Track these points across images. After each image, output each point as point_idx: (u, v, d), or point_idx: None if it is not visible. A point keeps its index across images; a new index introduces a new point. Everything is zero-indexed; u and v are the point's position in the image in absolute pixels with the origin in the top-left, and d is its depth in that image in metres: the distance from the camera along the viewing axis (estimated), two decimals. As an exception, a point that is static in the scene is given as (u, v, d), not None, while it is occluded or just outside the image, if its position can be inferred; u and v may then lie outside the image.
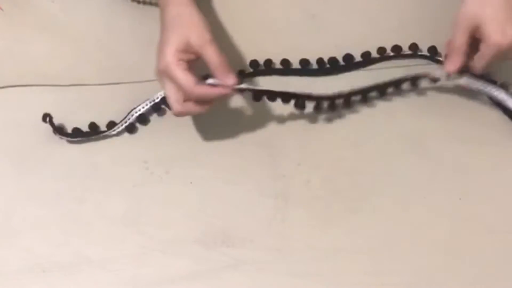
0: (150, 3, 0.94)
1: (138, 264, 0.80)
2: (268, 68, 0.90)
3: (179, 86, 0.77)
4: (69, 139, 0.86)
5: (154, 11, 0.93)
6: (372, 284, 0.80)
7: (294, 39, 0.92)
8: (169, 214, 0.83)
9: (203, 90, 0.77)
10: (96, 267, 0.80)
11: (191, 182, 0.85)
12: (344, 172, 0.85)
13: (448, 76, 0.83)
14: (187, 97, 0.78)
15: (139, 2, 0.94)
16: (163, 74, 0.78)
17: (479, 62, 0.81)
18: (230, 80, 0.78)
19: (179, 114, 0.80)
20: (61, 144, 0.86)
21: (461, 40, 0.81)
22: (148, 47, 0.91)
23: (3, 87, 0.89)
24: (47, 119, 0.86)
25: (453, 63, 0.82)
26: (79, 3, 0.94)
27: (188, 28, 0.78)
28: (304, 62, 0.90)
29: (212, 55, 0.78)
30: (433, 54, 0.91)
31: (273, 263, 0.80)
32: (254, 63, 0.91)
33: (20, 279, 0.79)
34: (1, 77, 0.89)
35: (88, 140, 0.86)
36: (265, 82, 0.90)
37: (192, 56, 0.78)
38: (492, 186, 0.85)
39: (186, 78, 0.76)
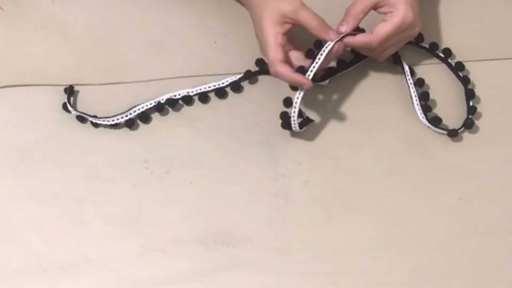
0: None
1: (138, 264, 0.80)
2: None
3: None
4: (77, 113, 0.87)
5: (154, 11, 0.93)
6: (372, 284, 0.80)
7: (294, 39, 0.92)
8: (169, 214, 0.83)
9: (282, 70, 0.80)
10: (96, 267, 0.80)
11: (191, 182, 0.85)
12: (344, 172, 0.85)
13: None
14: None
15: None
16: (263, 41, 0.82)
17: (380, 30, 0.83)
18: (331, 36, 0.81)
19: (275, 75, 0.82)
20: (61, 144, 0.86)
21: (362, 6, 0.83)
22: (148, 47, 0.92)
23: (3, 87, 0.89)
24: (68, 90, 0.88)
25: (345, 26, 0.83)
26: (79, 3, 0.94)
27: (275, 2, 0.81)
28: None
29: (306, 19, 0.81)
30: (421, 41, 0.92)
31: (273, 263, 0.80)
32: (260, 61, 0.90)
33: (20, 278, 0.79)
34: (1, 77, 0.89)
35: (89, 137, 0.87)
36: (271, 81, 0.90)
37: (288, 26, 0.81)
38: (492, 186, 0.85)
39: (274, 55, 0.80)
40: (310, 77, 0.81)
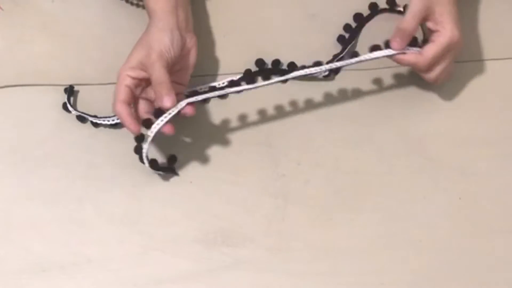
0: (138, 5, 0.94)
1: (138, 264, 0.80)
2: (275, 68, 0.90)
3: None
4: (78, 113, 0.87)
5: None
6: (371, 284, 0.80)
7: (293, 39, 0.92)
8: (169, 214, 0.83)
9: (119, 110, 0.79)
10: (96, 267, 0.80)
11: (191, 182, 0.85)
12: (344, 172, 0.85)
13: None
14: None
15: (132, 4, 0.94)
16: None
17: (428, 51, 0.83)
18: (165, 102, 0.79)
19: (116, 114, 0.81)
20: (61, 144, 0.86)
21: (413, 24, 0.83)
22: (148, 47, 0.91)
23: (3, 87, 0.89)
24: (68, 89, 0.88)
25: (400, 43, 0.83)
26: (79, 3, 0.94)
27: (142, 47, 0.81)
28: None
29: (152, 76, 0.80)
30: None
31: (273, 263, 0.80)
32: (260, 61, 0.90)
33: (20, 278, 0.79)
34: (1, 77, 0.89)
35: (89, 137, 0.87)
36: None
37: (143, 74, 0.81)
38: (492, 186, 0.85)
39: (118, 90, 0.80)
40: (153, 133, 0.79)
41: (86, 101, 0.89)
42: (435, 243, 0.82)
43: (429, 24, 0.84)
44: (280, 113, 0.88)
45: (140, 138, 0.80)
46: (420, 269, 0.81)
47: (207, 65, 0.91)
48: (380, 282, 0.80)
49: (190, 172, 0.85)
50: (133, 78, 0.81)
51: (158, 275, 0.80)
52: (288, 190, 0.84)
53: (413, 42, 0.84)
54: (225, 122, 0.88)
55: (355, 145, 0.87)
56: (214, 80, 0.89)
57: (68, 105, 0.87)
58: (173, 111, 0.79)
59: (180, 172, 0.85)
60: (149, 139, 0.79)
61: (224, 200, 0.83)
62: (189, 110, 0.80)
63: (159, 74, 0.79)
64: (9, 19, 0.93)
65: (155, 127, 0.79)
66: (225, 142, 0.87)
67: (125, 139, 0.87)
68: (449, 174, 0.86)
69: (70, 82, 0.89)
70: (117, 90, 0.81)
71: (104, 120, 0.86)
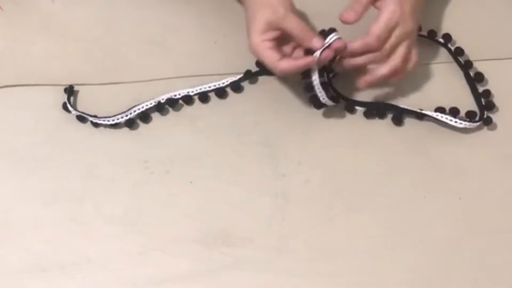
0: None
1: (138, 264, 0.80)
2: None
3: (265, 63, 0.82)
4: (78, 113, 0.87)
5: (154, 11, 0.94)
6: (372, 284, 0.80)
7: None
8: (169, 214, 0.83)
9: (286, 64, 0.81)
10: (96, 267, 0.80)
11: (191, 182, 0.85)
12: (344, 172, 0.85)
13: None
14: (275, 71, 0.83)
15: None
16: (252, 53, 0.83)
17: (372, 28, 0.82)
18: (314, 43, 0.81)
19: (282, 73, 0.83)
20: (61, 144, 0.86)
21: None
22: (148, 47, 0.92)
23: (3, 87, 0.89)
24: (68, 89, 0.88)
25: (354, 14, 0.83)
26: (79, 3, 0.94)
27: (264, 9, 0.82)
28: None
29: (288, 28, 0.81)
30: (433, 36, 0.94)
31: (273, 263, 0.80)
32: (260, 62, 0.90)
33: (20, 278, 0.79)
34: (1, 77, 0.89)
35: (89, 137, 0.87)
36: (271, 81, 0.90)
37: (275, 33, 0.82)
38: (492, 186, 0.85)
39: (268, 56, 0.81)
40: (318, 54, 0.81)
41: (86, 101, 0.89)
42: (435, 243, 0.82)
43: (377, 4, 0.84)
44: (281, 113, 0.88)
45: (307, 74, 0.83)
46: (420, 269, 0.81)
47: (207, 65, 0.91)
48: (380, 282, 0.80)
49: (190, 172, 0.85)
50: (269, 40, 0.81)
51: (158, 275, 0.80)
52: (288, 190, 0.84)
53: (473, 117, 0.87)
54: (225, 122, 0.88)
55: (355, 145, 0.87)
56: (214, 80, 0.89)
57: (68, 105, 0.87)
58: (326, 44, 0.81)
59: (180, 172, 0.85)
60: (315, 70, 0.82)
61: (224, 200, 0.83)
62: (339, 43, 0.81)
63: (296, 22, 0.81)
64: (9, 19, 0.93)
65: (316, 54, 0.81)
66: (225, 142, 0.87)
67: (125, 139, 0.87)
68: (449, 174, 0.86)
69: (70, 82, 0.89)
70: (266, 58, 0.81)
71: (104, 120, 0.86)
